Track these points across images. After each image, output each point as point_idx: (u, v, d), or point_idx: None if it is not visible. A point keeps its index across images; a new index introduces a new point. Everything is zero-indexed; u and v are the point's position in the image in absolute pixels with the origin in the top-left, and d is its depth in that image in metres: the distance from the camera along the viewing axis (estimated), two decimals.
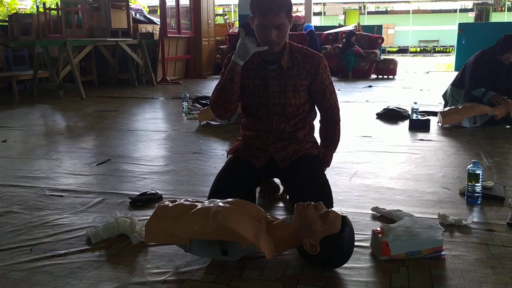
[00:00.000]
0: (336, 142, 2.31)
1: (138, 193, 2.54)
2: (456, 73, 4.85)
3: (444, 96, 4.89)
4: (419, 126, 4.26)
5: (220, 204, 1.77)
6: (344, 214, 1.70)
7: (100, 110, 5.73)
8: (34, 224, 2.17)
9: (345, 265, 1.71)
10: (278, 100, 2.16)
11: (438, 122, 4.45)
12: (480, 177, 2.33)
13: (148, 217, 2.17)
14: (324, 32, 10.34)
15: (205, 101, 5.60)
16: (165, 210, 1.80)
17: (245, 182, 2.13)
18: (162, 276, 1.67)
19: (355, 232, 1.95)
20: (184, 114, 5.23)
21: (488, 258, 1.79)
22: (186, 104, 5.34)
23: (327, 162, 2.30)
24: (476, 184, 2.34)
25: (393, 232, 1.78)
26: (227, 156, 2.41)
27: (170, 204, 1.83)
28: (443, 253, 1.78)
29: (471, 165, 2.36)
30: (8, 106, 6.19)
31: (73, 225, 2.16)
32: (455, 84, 4.62)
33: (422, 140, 3.83)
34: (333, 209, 1.73)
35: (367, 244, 1.89)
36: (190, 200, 1.87)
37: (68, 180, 2.87)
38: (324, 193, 2.08)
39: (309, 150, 2.24)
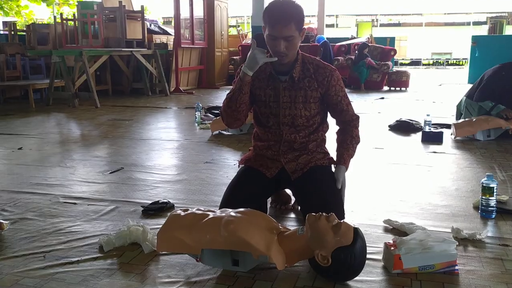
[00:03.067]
0: (354, 144, 2.25)
1: (150, 202, 2.55)
2: (470, 85, 4.82)
3: (459, 106, 4.85)
4: (432, 138, 4.23)
5: (232, 213, 1.78)
6: (356, 226, 1.70)
7: (114, 119, 5.79)
8: (48, 231, 2.20)
9: (356, 277, 1.70)
10: (288, 111, 2.16)
11: (451, 134, 4.42)
12: (495, 190, 2.31)
13: (160, 226, 2.22)
14: (337, 44, 10.36)
15: (218, 111, 5.62)
16: (177, 219, 1.81)
17: (257, 192, 2.13)
18: (173, 285, 1.68)
19: (367, 244, 1.96)
20: (196, 124, 5.26)
21: (502, 273, 1.76)
22: (199, 114, 5.37)
23: (344, 160, 2.21)
24: (491, 198, 2.31)
25: (405, 245, 1.76)
26: (238, 166, 2.41)
27: (182, 213, 1.84)
28: (456, 267, 1.76)
29: (485, 179, 2.34)
30: (24, 114, 6.29)
31: (86, 232, 2.18)
32: (470, 96, 4.60)
33: (435, 152, 3.80)
34: (345, 220, 1.72)
35: (379, 256, 1.88)
36: (202, 209, 1.88)
37: (81, 188, 2.89)
38: (335, 204, 2.07)
39: (320, 161, 2.24)
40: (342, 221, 1.69)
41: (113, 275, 1.77)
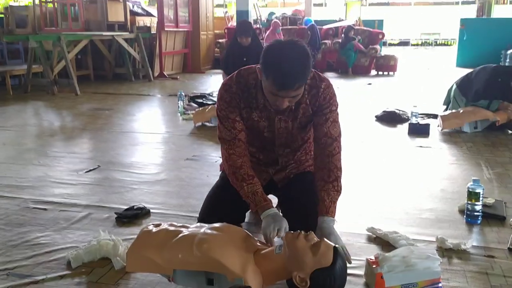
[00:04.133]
0: (333, 181, 1.89)
1: (125, 207, 2.44)
2: (458, 69, 4.72)
3: (449, 93, 4.75)
4: (418, 131, 4.16)
5: (207, 231, 1.67)
6: (336, 245, 1.61)
7: (94, 108, 5.62)
8: (14, 243, 2.08)
9: None
10: (285, 140, 2.03)
11: (438, 126, 4.35)
12: (481, 196, 2.24)
13: (134, 236, 2.11)
14: (324, 27, 10.20)
15: (201, 100, 5.49)
16: (148, 237, 1.70)
17: (237, 206, 2.00)
18: None
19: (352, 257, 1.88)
20: (179, 114, 5.13)
21: None
22: (182, 104, 5.23)
23: (326, 209, 1.85)
24: (476, 203, 2.24)
25: (388, 263, 1.68)
26: (220, 169, 2.30)
27: (154, 229, 1.74)
28: (440, 285, 1.69)
29: (472, 183, 2.26)
30: (1, 102, 6.08)
31: (54, 244, 2.07)
32: (460, 87, 4.49)
33: (421, 147, 3.73)
34: (324, 239, 1.63)
35: (361, 272, 1.80)
36: (176, 224, 1.77)
37: (54, 190, 2.77)
38: (315, 207, 1.96)
39: (309, 168, 2.13)
40: (321, 239, 1.60)
41: None
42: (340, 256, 1.58)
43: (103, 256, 1.91)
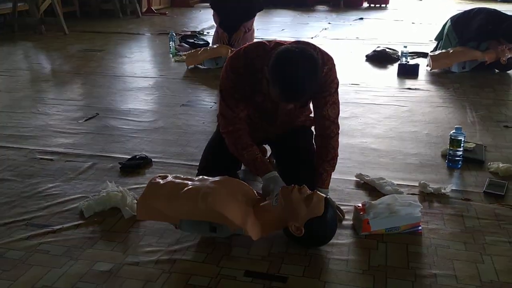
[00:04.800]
0: (330, 160, 2.04)
1: (127, 157, 2.58)
2: (452, 2, 4.67)
3: (442, 29, 4.75)
4: (407, 71, 4.25)
5: (209, 184, 1.82)
6: (327, 196, 1.78)
7: (85, 49, 5.59)
8: (27, 194, 2.22)
9: (329, 241, 1.81)
10: (286, 117, 2.13)
11: (427, 65, 4.44)
12: (462, 143, 2.40)
13: (138, 186, 2.27)
14: None
15: (192, 40, 5.48)
16: (156, 188, 1.85)
17: (234, 159, 2.13)
18: (154, 255, 1.76)
19: (338, 203, 2.07)
20: (171, 55, 5.14)
21: (462, 232, 1.89)
22: (173, 45, 5.22)
23: (322, 182, 2.02)
24: (458, 150, 2.41)
25: (374, 210, 1.86)
26: (217, 118, 2.41)
27: (161, 181, 1.88)
28: (420, 228, 1.88)
29: (454, 131, 2.42)
30: None
31: (65, 195, 2.21)
32: (455, 25, 4.47)
33: (409, 89, 3.85)
34: (316, 191, 1.79)
35: (349, 217, 1.98)
36: (181, 177, 1.92)
37: (57, 139, 2.88)
38: (309, 162, 2.11)
39: (302, 122, 2.25)
40: (313, 192, 1.76)
41: (96, 244, 1.84)
42: (331, 206, 1.75)
43: (113, 206, 2.07)
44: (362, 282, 1.61)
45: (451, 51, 4.31)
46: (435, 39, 4.90)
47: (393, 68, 4.47)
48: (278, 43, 1.94)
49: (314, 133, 2.12)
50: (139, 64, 4.85)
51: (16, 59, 5.20)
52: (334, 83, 1.99)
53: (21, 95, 3.86)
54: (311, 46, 1.94)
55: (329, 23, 7.23)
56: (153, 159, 2.57)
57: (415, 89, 3.84)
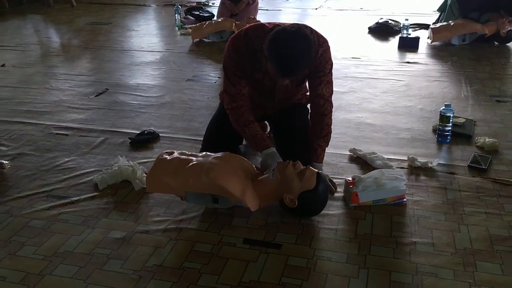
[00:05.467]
0: (324, 136, 2.20)
1: (136, 132, 2.75)
2: None
3: (445, 0, 4.80)
4: (408, 44, 4.34)
5: (212, 160, 1.99)
6: (319, 171, 1.95)
7: (92, 22, 5.70)
8: (46, 167, 2.42)
9: (320, 212, 1.99)
10: (283, 95, 2.28)
11: (428, 38, 4.52)
12: (451, 119, 2.54)
13: (147, 160, 2.46)
14: None
15: (198, 13, 5.56)
16: (163, 164, 2.03)
17: (235, 135, 2.28)
18: (162, 224, 1.95)
19: (332, 176, 2.24)
20: (177, 28, 5.24)
21: (443, 203, 2.06)
22: (179, 17, 5.31)
23: (317, 157, 2.19)
24: (446, 125, 2.55)
25: (362, 183, 2.03)
26: (220, 98, 2.56)
27: (168, 157, 2.05)
28: (404, 199, 2.05)
29: (444, 108, 2.55)
30: (0, 18, 6.12)
31: (80, 168, 2.40)
32: None
33: (408, 62, 3.95)
34: (309, 166, 1.96)
35: (341, 189, 2.16)
36: (186, 153, 2.09)
37: (70, 115, 3.06)
38: (304, 138, 2.27)
39: (298, 100, 2.40)
40: (306, 167, 1.93)
41: (110, 214, 2.04)
42: (322, 180, 1.92)
43: (124, 179, 2.26)
44: (348, 249, 1.80)
45: (452, 23, 4.38)
46: (438, 10, 4.95)
47: (395, 41, 4.55)
48: (277, 25, 2.07)
49: (310, 110, 2.27)
50: (146, 38, 4.97)
51: (26, 33, 5.33)
52: (328, 64, 2.13)
53: (33, 70, 4.02)
54: (307, 28, 2.08)
55: None
56: (160, 134, 2.75)
57: (414, 62, 3.95)
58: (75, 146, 2.64)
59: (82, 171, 2.37)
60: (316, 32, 2.10)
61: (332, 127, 2.25)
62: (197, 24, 4.85)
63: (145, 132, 2.74)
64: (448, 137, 2.58)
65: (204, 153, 2.12)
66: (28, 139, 2.73)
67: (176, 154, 2.08)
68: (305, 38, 1.89)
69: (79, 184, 2.27)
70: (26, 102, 3.29)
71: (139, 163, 2.37)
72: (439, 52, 4.20)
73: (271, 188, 1.94)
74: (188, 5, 6.24)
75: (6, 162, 2.43)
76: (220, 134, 2.34)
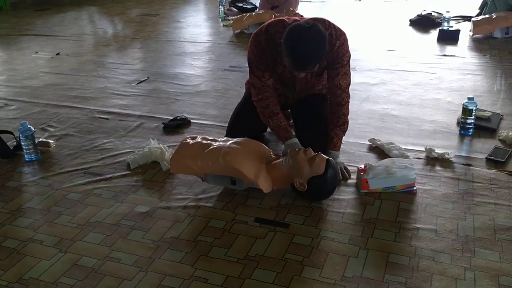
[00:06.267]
0: (341, 125, 2.31)
1: (170, 118, 2.95)
2: None
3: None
4: (448, 37, 4.29)
5: (230, 145, 2.14)
6: (329, 158, 2.05)
7: (142, 14, 5.99)
8: (86, 147, 2.66)
9: (331, 196, 2.10)
10: (304, 86, 2.38)
11: (470, 30, 4.43)
12: (473, 112, 2.55)
13: (177, 143, 2.63)
14: None
15: (241, 4, 5.71)
16: (186, 147, 2.20)
17: (258, 123, 2.40)
18: (183, 202, 2.13)
19: (348, 164, 2.33)
20: (220, 19, 5.42)
21: (454, 193, 2.11)
22: (222, 9, 5.49)
23: (334, 145, 2.31)
24: (469, 118, 2.56)
25: (373, 171, 2.11)
26: (245, 87, 2.70)
27: (191, 142, 2.22)
28: (415, 188, 2.12)
29: (466, 100, 2.57)
30: (59, 8, 6.54)
31: (116, 149, 2.62)
32: None
33: (445, 55, 3.92)
34: (319, 153, 2.06)
35: (354, 176, 2.25)
36: (208, 138, 2.25)
37: (112, 101, 3.30)
38: (322, 127, 2.36)
39: (319, 90, 2.50)
40: (317, 153, 2.04)
41: (138, 191, 2.24)
42: (331, 166, 2.02)
43: (153, 160, 2.46)
44: (352, 231, 1.89)
45: (494, 16, 4.28)
46: (478, 9, 4.84)
47: (435, 33, 4.50)
48: (296, 20, 2.18)
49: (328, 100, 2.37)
50: (190, 29, 5.18)
51: (81, 24, 5.68)
52: (346, 56, 2.22)
53: (85, 59, 4.32)
54: (325, 23, 2.17)
55: None
56: (192, 120, 2.93)
57: (451, 55, 3.91)
58: (113, 129, 2.87)
59: (117, 152, 2.59)
60: (333, 25, 2.19)
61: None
62: (238, 16, 5.00)
63: (178, 118, 2.93)
64: (470, 130, 2.59)
65: (224, 138, 2.27)
66: (74, 121, 3.00)
67: (198, 139, 2.24)
68: (318, 34, 1.99)
69: (113, 163, 2.49)
70: (75, 88, 3.57)
71: (168, 146, 2.56)
72: (479, 45, 4.13)
73: (283, 172, 2.06)
74: None
75: (52, 141, 2.69)
76: (241, 123, 2.49)
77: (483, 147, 2.47)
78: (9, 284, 1.69)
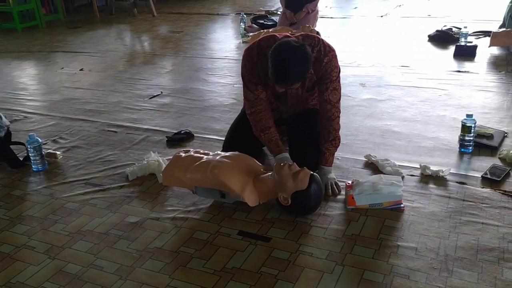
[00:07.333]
0: (332, 140, 2.32)
1: (174, 131, 3.03)
2: None
3: (506, 13, 4.63)
4: (464, 53, 4.22)
5: (219, 159, 2.18)
6: (314, 173, 2.06)
7: (167, 31, 6.18)
8: (91, 159, 2.77)
9: (318, 211, 2.11)
10: (296, 101, 2.44)
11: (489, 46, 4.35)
12: (472, 129, 2.51)
13: None
14: None
15: (262, 21, 5.80)
16: (178, 160, 2.27)
17: (254, 138, 2.43)
18: (172, 213, 2.19)
19: (340, 180, 2.34)
20: (241, 36, 5.52)
21: (442, 211, 2.07)
22: (243, 26, 5.59)
23: (325, 161, 2.32)
24: (467, 135, 2.52)
25: (360, 187, 2.11)
26: (243, 105, 2.74)
27: (183, 155, 2.29)
28: (402, 205, 2.10)
29: (465, 118, 2.53)
30: (90, 26, 6.83)
31: (119, 161, 2.72)
32: None
33: (459, 71, 3.85)
34: (305, 168, 2.07)
35: (344, 192, 2.25)
36: (200, 151, 2.31)
37: (124, 115, 3.42)
38: (314, 143, 2.38)
39: (313, 106, 2.52)
40: (302, 168, 2.05)
41: (132, 202, 2.31)
42: (315, 182, 2.03)
43: (151, 172, 2.54)
44: (331, 247, 1.90)
45: None
46: (499, 28, 4.74)
47: (453, 49, 4.43)
48: (286, 36, 2.23)
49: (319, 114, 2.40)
50: (210, 45, 5.31)
51: (108, 41, 5.91)
52: (334, 71, 2.24)
53: (105, 74, 4.50)
54: (315, 39, 2.21)
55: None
56: (195, 134, 3.00)
57: (465, 71, 3.84)
58: (119, 142, 2.97)
59: (119, 164, 2.69)
60: (323, 41, 2.22)
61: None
62: (256, 32, 5.08)
63: (182, 132, 3.01)
64: (470, 148, 2.54)
65: (216, 152, 2.33)
66: (84, 134, 3.13)
67: (191, 153, 2.31)
68: (301, 52, 2.04)
69: (114, 174, 2.58)
70: (91, 102, 3.73)
71: (168, 159, 2.62)
72: (496, 61, 4.04)
73: (269, 186, 2.09)
74: (257, 13, 6.51)
75: (59, 153, 2.82)
76: (237, 137, 2.54)
77: (481, 165, 2.42)
78: None
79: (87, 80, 4.33)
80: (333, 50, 2.24)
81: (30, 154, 2.65)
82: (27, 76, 4.66)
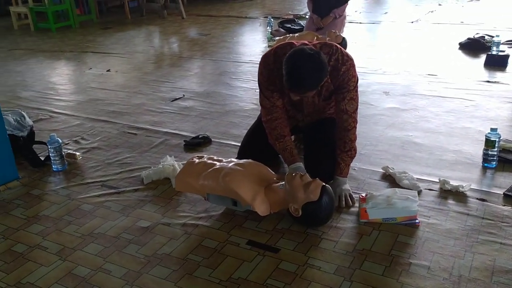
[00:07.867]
0: (348, 151, 2.27)
1: (193, 135, 3.03)
2: None
3: None
4: (496, 62, 4.08)
5: (232, 166, 2.17)
6: (325, 185, 2.02)
7: (195, 33, 6.22)
8: (109, 161, 2.80)
9: (329, 224, 2.07)
10: (312, 110, 2.40)
11: None
12: (496, 143, 2.41)
13: None
14: None
15: (289, 25, 5.77)
16: (191, 167, 2.26)
17: (268, 147, 2.40)
18: (183, 219, 2.18)
19: (356, 192, 2.29)
20: (267, 39, 5.50)
21: (459, 229, 2.00)
22: (270, 30, 5.58)
23: (340, 171, 2.28)
24: (491, 150, 2.43)
25: (373, 200, 2.06)
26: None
27: (196, 161, 2.29)
28: (417, 221, 2.03)
29: (489, 132, 2.43)
30: (120, 27, 6.95)
31: (136, 164, 2.74)
32: None
33: (488, 82, 3.73)
34: (317, 179, 2.04)
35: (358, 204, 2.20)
36: (214, 158, 2.31)
37: (145, 117, 3.45)
38: (329, 153, 2.34)
39: (330, 115, 2.48)
40: (314, 179, 2.02)
41: (145, 206, 2.32)
42: (327, 194, 1.99)
43: (166, 177, 2.54)
44: (340, 261, 1.85)
45: None
46: None
47: (484, 58, 4.29)
48: (304, 44, 2.20)
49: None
50: (236, 49, 5.31)
51: (137, 43, 6.00)
52: (352, 81, 2.20)
53: (131, 75, 4.56)
54: (333, 48, 2.17)
55: (439, 5, 6.94)
56: (213, 139, 3.00)
57: (494, 82, 3.71)
58: (138, 145, 3.00)
59: (136, 167, 2.71)
60: (341, 50, 2.18)
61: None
62: (282, 37, 5.05)
63: (200, 136, 3.02)
64: (494, 162, 2.45)
65: (229, 159, 2.31)
66: (105, 135, 3.17)
67: (204, 159, 2.30)
68: (316, 60, 2.00)
69: (130, 177, 2.60)
70: (115, 103, 3.78)
71: (183, 164, 2.63)
72: None
73: (280, 196, 2.07)
74: (285, 17, 6.48)
75: (78, 153, 2.86)
76: (253, 145, 2.52)
77: (505, 181, 2.33)
78: (7, 286, 1.81)
79: (112, 81, 4.40)
80: (351, 59, 2.20)
81: (50, 154, 2.70)
82: (56, 76, 4.77)
